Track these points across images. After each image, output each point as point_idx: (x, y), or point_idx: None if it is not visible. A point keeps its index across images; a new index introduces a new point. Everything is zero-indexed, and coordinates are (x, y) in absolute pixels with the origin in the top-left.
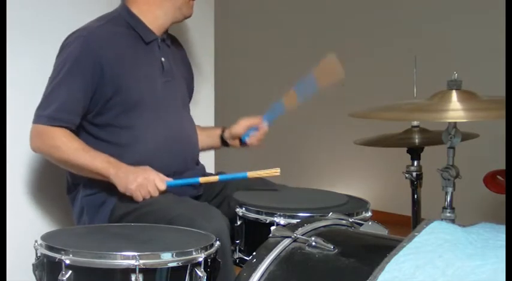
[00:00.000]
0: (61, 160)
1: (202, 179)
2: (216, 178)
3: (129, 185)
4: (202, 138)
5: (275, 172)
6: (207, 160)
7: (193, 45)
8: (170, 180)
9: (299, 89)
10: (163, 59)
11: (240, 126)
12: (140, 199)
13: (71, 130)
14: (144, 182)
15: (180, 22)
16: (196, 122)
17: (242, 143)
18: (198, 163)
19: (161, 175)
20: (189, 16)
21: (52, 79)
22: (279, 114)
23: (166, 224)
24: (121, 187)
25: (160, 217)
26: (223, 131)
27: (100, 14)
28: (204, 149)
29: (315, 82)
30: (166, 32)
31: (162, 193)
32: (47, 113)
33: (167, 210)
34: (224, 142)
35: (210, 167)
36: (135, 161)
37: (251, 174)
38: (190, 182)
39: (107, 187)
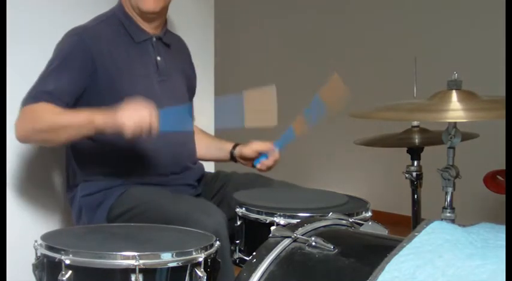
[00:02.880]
0: (46, 128)
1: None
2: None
3: (116, 116)
4: (211, 150)
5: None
6: None
7: (193, 45)
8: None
9: (308, 114)
10: (158, 58)
11: (250, 150)
12: (130, 129)
13: None
14: (132, 110)
15: (153, 18)
16: (196, 123)
17: (253, 165)
18: (196, 162)
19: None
20: (151, 11)
21: (44, 71)
22: (290, 140)
23: (164, 220)
24: (109, 125)
25: (159, 214)
26: (234, 148)
27: (98, 12)
28: (211, 160)
29: (322, 104)
30: (164, 28)
31: (155, 129)
32: (31, 94)
33: (165, 207)
34: (233, 158)
35: (209, 166)
36: (132, 162)
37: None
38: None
39: (104, 187)
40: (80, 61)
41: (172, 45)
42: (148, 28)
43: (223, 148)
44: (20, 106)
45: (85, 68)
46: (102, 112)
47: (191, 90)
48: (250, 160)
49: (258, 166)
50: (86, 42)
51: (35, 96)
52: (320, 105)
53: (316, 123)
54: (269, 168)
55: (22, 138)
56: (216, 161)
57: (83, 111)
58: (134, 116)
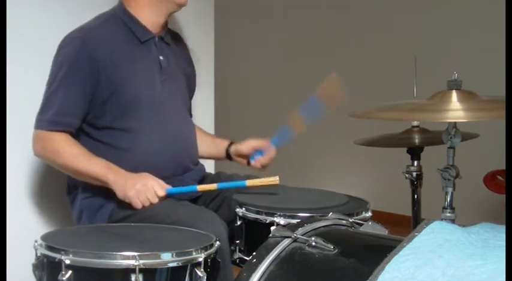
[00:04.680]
0: (61, 165)
1: (200, 188)
2: (214, 186)
3: (127, 191)
4: (208, 146)
5: (274, 180)
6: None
7: (193, 45)
8: (169, 187)
9: (305, 111)
10: (161, 57)
11: (246, 147)
12: (139, 206)
13: (72, 134)
14: (142, 188)
15: (177, 11)
16: (196, 123)
17: (248, 162)
18: (197, 163)
19: (160, 181)
20: (184, 4)
21: (50, 83)
22: (287, 138)
23: None
24: (119, 194)
25: (159, 222)
26: (229, 145)
27: (99, 11)
28: (206, 157)
29: (319, 103)
30: (165, 28)
31: (161, 199)
32: (47, 118)
33: (165, 215)
34: (229, 156)
35: (209, 167)
36: (134, 164)
37: (250, 183)
38: (189, 190)
39: (105, 190)
40: (86, 69)
41: (172, 44)
42: (153, 27)
43: (219, 146)
44: (36, 126)
45: (91, 75)
46: (115, 174)
47: (191, 89)
48: (246, 158)
49: (253, 162)
50: (89, 46)
51: (52, 121)
52: (317, 103)
53: (314, 122)
54: (264, 166)
55: (39, 158)
56: (211, 158)
57: (99, 164)
58: (142, 198)
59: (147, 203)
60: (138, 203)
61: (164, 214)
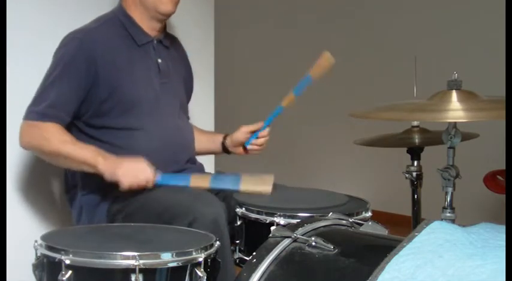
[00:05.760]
0: (50, 152)
1: (193, 182)
2: (206, 183)
3: (116, 170)
4: (203, 142)
5: (266, 189)
6: (207, 157)
7: (193, 45)
8: (159, 177)
9: (298, 91)
10: (159, 60)
11: (240, 133)
12: (126, 185)
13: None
14: (132, 169)
15: (164, 19)
16: (196, 122)
17: (245, 149)
18: (195, 161)
19: (151, 172)
20: (170, 13)
21: (46, 78)
22: (278, 114)
23: (164, 210)
24: (108, 173)
25: (158, 204)
26: (225, 138)
27: (99, 11)
28: (204, 153)
29: (311, 80)
30: (163, 31)
31: (150, 185)
32: (38, 110)
33: (165, 198)
34: (225, 149)
35: (209, 166)
36: None
37: (243, 186)
38: (180, 183)
39: (104, 185)
40: (83, 68)
41: (171, 47)
42: (150, 31)
43: (215, 140)
44: (26, 117)
45: (87, 75)
46: (104, 157)
47: (188, 92)
48: (242, 145)
49: (249, 147)
50: (87, 47)
51: (42, 113)
52: (309, 81)
53: (300, 93)
54: (260, 148)
55: (26, 149)
56: (209, 153)
57: (88, 148)
58: (131, 177)
59: (134, 184)
60: (125, 183)
61: (163, 197)
